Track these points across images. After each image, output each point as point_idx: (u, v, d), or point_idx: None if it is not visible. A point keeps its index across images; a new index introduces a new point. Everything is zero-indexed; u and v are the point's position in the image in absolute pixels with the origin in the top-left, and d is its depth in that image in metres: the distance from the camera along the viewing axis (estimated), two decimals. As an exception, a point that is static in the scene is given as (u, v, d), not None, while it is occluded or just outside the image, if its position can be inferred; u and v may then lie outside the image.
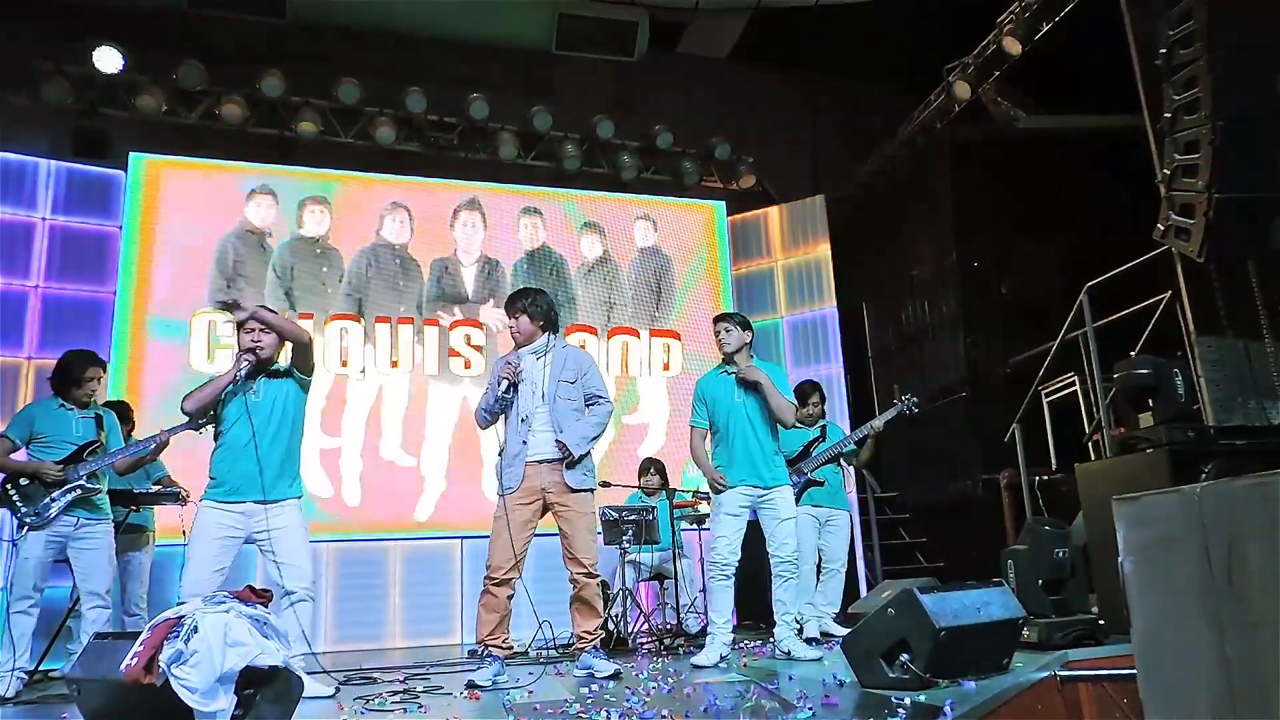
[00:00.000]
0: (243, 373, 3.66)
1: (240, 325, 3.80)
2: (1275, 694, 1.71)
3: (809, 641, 4.63)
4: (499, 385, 3.81)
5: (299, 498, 3.77)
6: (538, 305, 3.95)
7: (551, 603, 4.30)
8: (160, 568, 5.21)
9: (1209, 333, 4.81)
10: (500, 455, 3.86)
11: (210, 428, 3.81)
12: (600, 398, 3.97)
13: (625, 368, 7.39)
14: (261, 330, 3.73)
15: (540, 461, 3.80)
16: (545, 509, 3.85)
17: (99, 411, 4.34)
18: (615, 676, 3.65)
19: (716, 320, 4.41)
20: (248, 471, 3.60)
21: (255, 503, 3.61)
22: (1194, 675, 1.89)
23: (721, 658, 4.07)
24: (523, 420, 3.81)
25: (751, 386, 4.20)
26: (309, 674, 3.55)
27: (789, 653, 4.05)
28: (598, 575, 3.88)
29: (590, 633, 3.84)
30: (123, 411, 5.06)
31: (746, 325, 4.38)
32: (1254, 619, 1.77)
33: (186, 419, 4.22)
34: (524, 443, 3.80)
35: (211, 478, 3.66)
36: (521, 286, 4.48)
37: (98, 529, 4.14)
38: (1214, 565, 1.86)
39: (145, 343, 6.26)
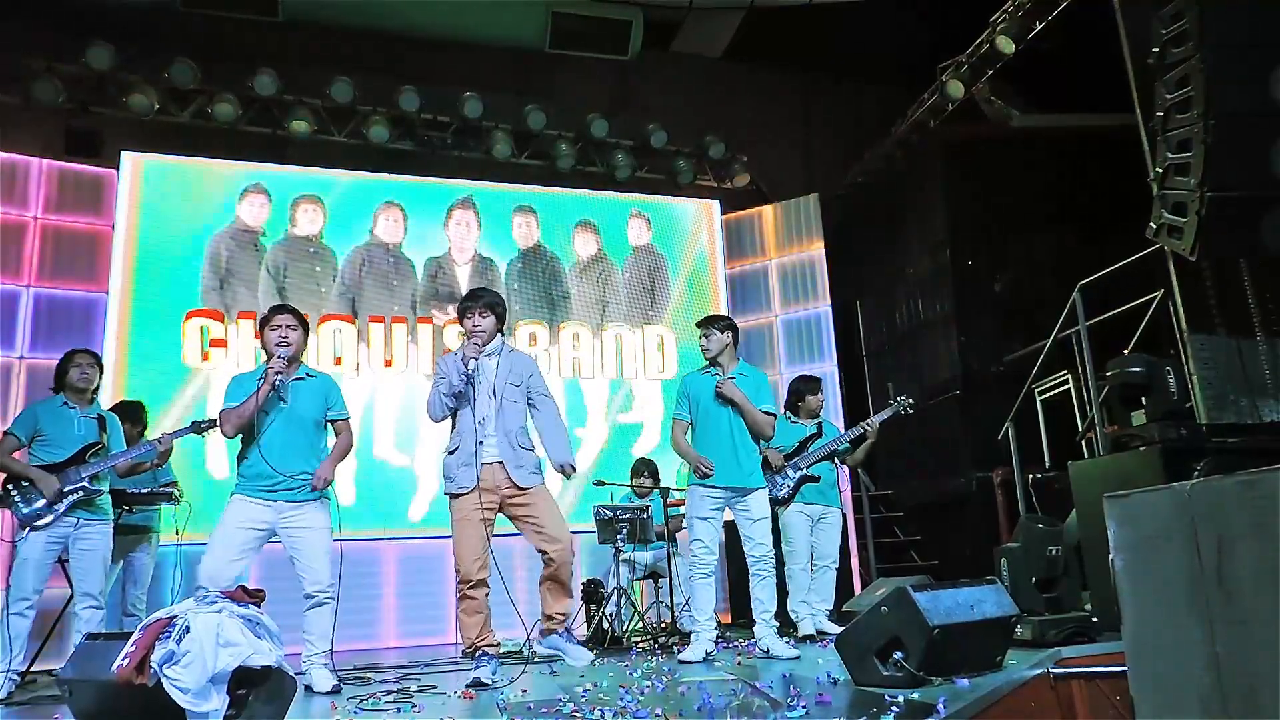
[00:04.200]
0: (280, 379, 3.73)
1: (265, 323, 3.84)
2: (1264, 689, 1.72)
3: (804, 639, 4.65)
4: (459, 378, 3.71)
5: (327, 498, 3.87)
6: (500, 305, 3.89)
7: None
8: (157, 568, 5.18)
9: (1201, 331, 4.81)
10: (451, 454, 3.78)
11: (212, 430, 3.85)
12: (545, 396, 3.91)
13: (619, 367, 7.39)
14: (289, 327, 3.80)
15: (492, 463, 3.72)
16: (499, 509, 3.79)
17: (102, 413, 4.36)
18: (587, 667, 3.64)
19: (698, 325, 4.49)
20: (288, 471, 3.71)
21: (289, 502, 3.72)
22: (1184, 671, 1.90)
23: (707, 653, 4.09)
24: (480, 422, 3.74)
25: (728, 404, 4.24)
26: (323, 666, 3.69)
27: (768, 651, 4.07)
28: (574, 553, 3.80)
29: (563, 614, 3.74)
30: (135, 412, 5.07)
31: (728, 327, 4.42)
32: (1243, 615, 1.78)
33: (189, 423, 4.35)
34: (480, 443, 3.72)
35: (242, 474, 3.74)
36: (474, 287, 4.22)
37: (97, 530, 4.14)
38: (1204, 562, 1.87)
39: (137, 342, 6.24)
